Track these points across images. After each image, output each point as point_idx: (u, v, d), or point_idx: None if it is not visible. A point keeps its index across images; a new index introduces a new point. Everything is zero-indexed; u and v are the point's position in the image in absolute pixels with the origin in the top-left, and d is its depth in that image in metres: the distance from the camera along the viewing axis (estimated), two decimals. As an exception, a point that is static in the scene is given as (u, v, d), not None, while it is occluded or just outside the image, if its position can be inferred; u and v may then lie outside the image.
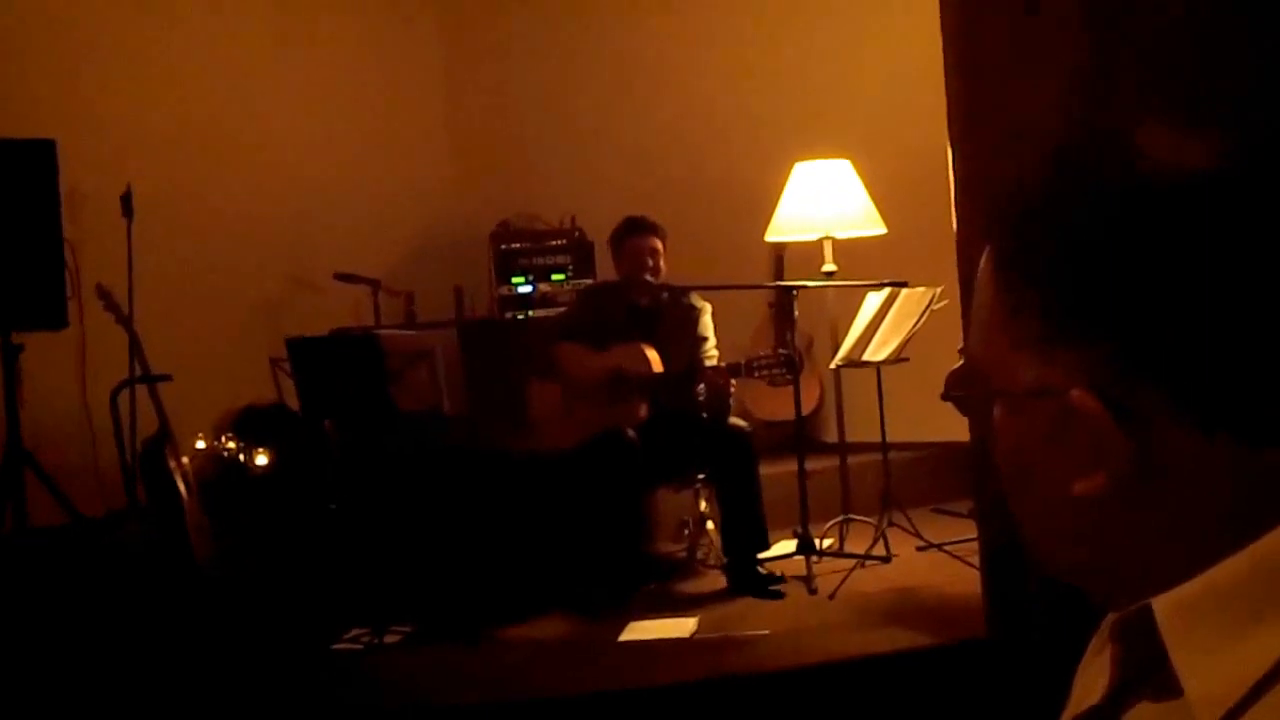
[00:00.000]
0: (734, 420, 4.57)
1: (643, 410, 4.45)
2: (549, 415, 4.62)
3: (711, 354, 4.61)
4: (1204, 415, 0.62)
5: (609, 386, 4.48)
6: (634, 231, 4.62)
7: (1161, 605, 0.64)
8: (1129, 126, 0.65)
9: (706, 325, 4.66)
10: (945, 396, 0.74)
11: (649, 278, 4.57)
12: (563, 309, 5.50)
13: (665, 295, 4.64)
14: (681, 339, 4.59)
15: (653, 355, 4.47)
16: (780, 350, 4.30)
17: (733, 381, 4.38)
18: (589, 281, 5.88)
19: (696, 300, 4.68)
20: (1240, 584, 0.62)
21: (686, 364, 4.51)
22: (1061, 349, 0.65)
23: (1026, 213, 0.69)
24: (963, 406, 0.75)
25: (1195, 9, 2.40)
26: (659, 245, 4.60)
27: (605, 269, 5.31)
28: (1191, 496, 0.64)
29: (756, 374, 4.29)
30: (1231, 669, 0.60)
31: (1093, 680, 0.72)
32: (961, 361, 0.74)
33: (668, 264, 4.65)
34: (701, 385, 4.44)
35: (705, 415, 4.52)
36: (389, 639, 3.96)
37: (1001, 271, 0.69)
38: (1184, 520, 0.64)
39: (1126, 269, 0.62)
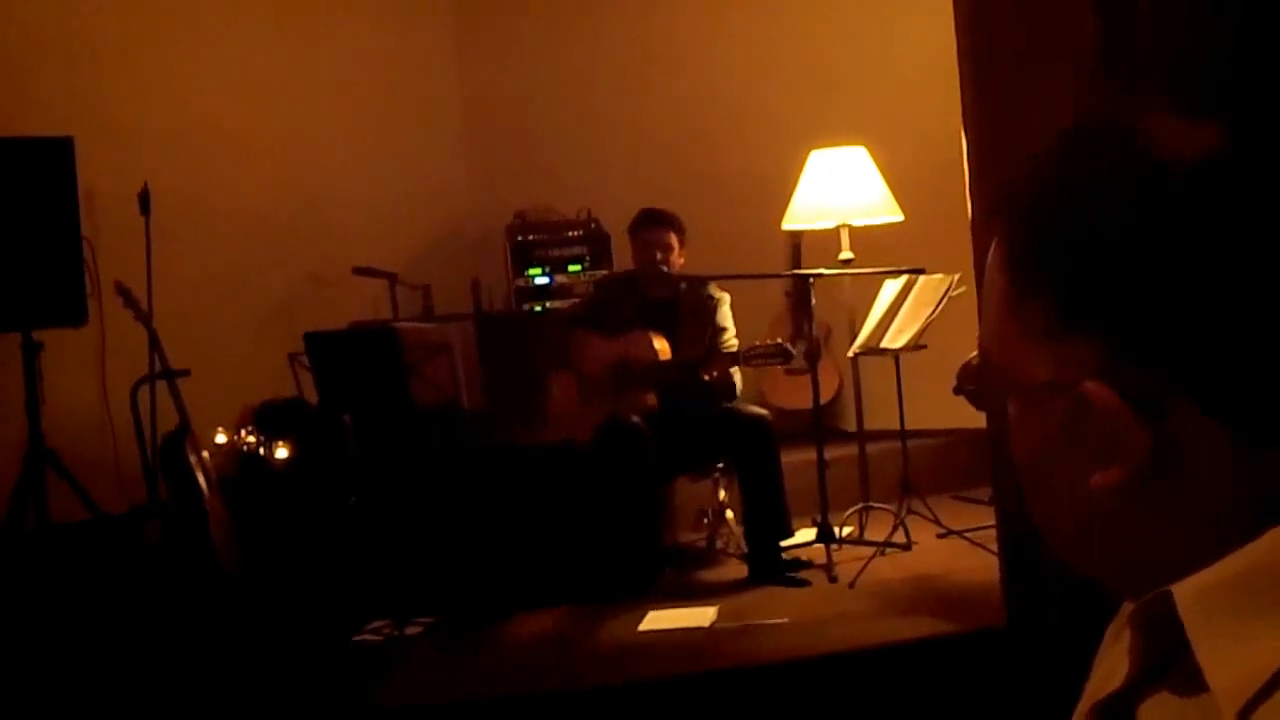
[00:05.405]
0: (754, 408, 4.57)
1: (650, 398, 4.45)
2: (565, 406, 4.62)
3: (731, 344, 4.60)
4: (1220, 405, 0.61)
5: (615, 375, 4.48)
6: (647, 223, 4.62)
7: (1183, 593, 0.63)
8: (1139, 113, 0.65)
9: (725, 315, 4.65)
10: (958, 390, 0.73)
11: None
12: (578, 299, 5.51)
13: (683, 286, 4.64)
14: (699, 330, 4.58)
15: (660, 344, 4.46)
16: (776, 340, 4.28)
17: (732, 370, 4.38)
18: (605, 272, 5.88)
19: (715, 291, 4.66)
20: (1263, 569, 0.61)
21: (702, 354, 4.51)
22: (1074, 340, 0.64)
23: (1036, 200, 0.68)
24: (975, 400, 0.74)
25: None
26: (672, 239, 4.58)
27: (622, 260, 5.30)
28: (1210, 487, 0.63)
29: (753, 363, 4.29)
30: (1256, 658, 0.60)
31: (1111, 667, 0.71)
32: (975, 354, 0.73)
33: (686, 256, 4.64)
34: (714, 372, 4.44)
35: (719, 400, 4.52)
36: (410, 631, 3.98)
37: (1011, 261, 0.68)
38: (1203, 512, 0.64)
39: (1138, 256, 0.62)
